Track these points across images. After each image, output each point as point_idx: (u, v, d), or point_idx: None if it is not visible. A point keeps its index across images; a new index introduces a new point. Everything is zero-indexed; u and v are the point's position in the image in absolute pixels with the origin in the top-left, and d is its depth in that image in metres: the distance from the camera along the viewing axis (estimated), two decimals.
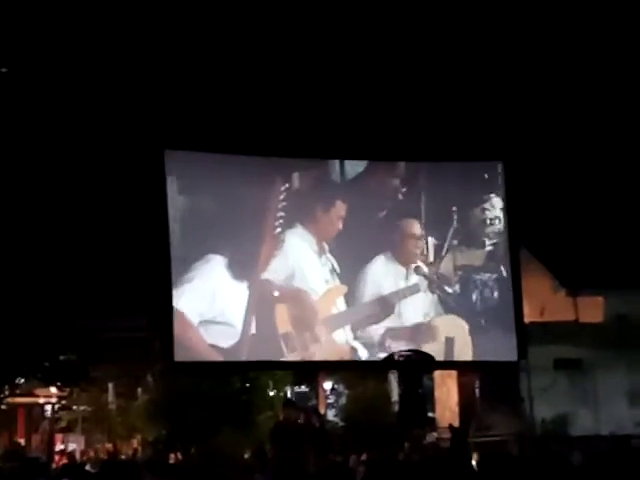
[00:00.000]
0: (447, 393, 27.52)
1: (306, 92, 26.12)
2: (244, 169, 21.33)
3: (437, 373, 26.63)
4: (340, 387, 28.00)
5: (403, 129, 25.25)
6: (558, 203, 27.66)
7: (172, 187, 20.76)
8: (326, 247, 21.49)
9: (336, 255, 21.49)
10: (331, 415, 26.97)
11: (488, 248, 22.31)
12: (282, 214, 21.11)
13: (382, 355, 21.51)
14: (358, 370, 24.39)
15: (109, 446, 25.12)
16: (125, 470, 11.46)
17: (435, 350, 21.49)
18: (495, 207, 22.45)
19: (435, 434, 24.06)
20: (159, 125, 24.26)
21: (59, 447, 26.62)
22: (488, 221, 22.33)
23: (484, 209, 22.38)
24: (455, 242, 22.11)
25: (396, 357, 21.25)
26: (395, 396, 24.24)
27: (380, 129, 25.13)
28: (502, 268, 22.30)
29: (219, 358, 20.49)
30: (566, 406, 25.02)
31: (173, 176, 20.82)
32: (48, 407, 27.71)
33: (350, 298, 21.54)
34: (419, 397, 21.49)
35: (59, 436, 27.25)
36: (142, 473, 12.11)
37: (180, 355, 20.51)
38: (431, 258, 21.98)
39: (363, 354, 21.41)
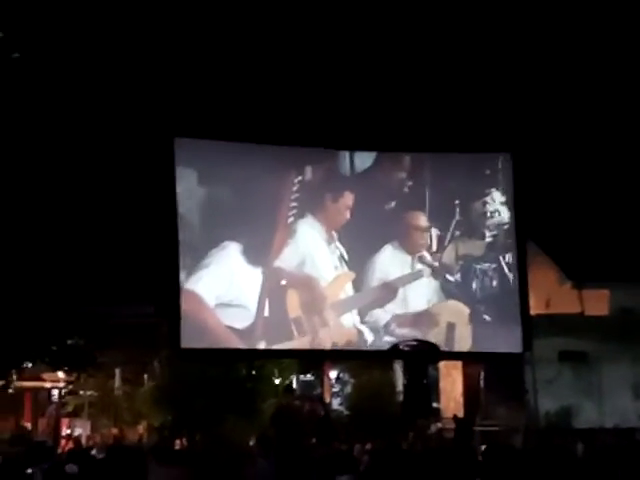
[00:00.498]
0: (452, 384, 27.60)
1: (315, 83, 26.18)
2: (259, 160, 22.05)
3: (442, 364, 26.72)
4: (345, 376, 28.09)
5: (411, 120, 25.38)
6: (565, 196, 27.67)
7: (191, 178, 21.53)
8: (335, 235, 22.21)
9: (345, 243, 22.20)
10: (336, 404, 27.09)
11: (488, 239, 23.13)
12: (295, 204, 21.94)
13: (387, 338, 22.06)
14: (363, 359, 24.65)
15: (115, 431, 25.22)
16: (130, 455, 11.59)
17: (437, 335, 22.13)
18: (495, 201, 23.21)
19: (439, 424, 24.19)
20: (169, 112, 24.34)
21: (65, 432, 26.74)
22: (488, 214, 23.14)
23: (485, 202, 23.20)
24: (457, 233, 22.94)
25: (402, 347, 21.52)
26: (400, 386, 24.37)
27: (389, 120, 25.26)
28: (501, 259, 23.01)
29: (234, 339, 21.13)
30: (570, 398, 25.07)
31: (192, 167, 21.52)
32: (55, 392, 27.83)
33: (358, 284, 22.29)
34: (424, 387, 21.70)
35: (65, 421, 27.36)
36: (147, 459, 12.22)
37: (194, 338, 20.99)
38: (434, 248, 22.82)
39: (369, 337, 22.07)
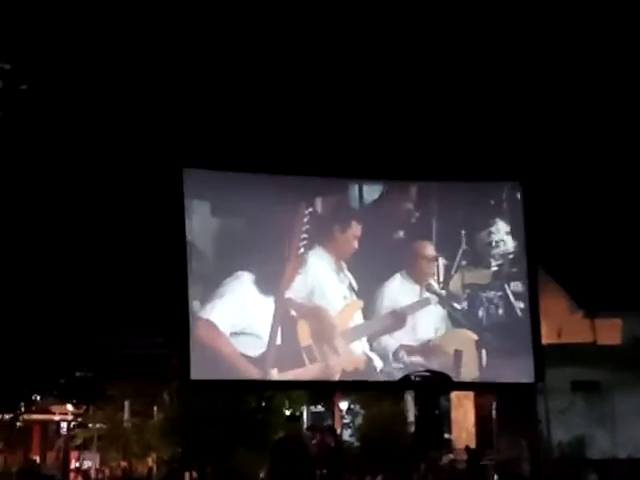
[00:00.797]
0: (464, 414, 27.42)
1: (323, 113, 26.29)
2: (271, 190, 22.36)
3: (454, 394, 26.59)
4: (356, 407, 27.95)
5: (418, 148, 25.49)
6: (575, 223, 27.59)
7: (205, 209, 21.92)
8: (344, 265, 22.47)
9: (354, 273, 22.45)
10: (347, 435, 26.93)
11: (493, 268, 23.40)
12: (305, 236, 22.21)
13: (396, 365, 22.20)
14: (374, 389, 24.59)
15: (124, 464, 25.09)
16: None
17: (444, 363, 22.20)
18: (500, 230, 23.53)
19: (451, 455, 24.01)
20: (178, 143, 24.42)
21: (74, 465, 26.59)
22: (494, 243, 23.44)
23: (490, 232, 23.48)
24: (464, 262, 23.23)
25: (413, 377, 21.50)
26: (411, 417, 24.30)
27: (396, 149, 25.36)
28: (506, 287, 23.23)
29: (247, 366, 21.35)
30: (583, 428, 24.86)
31: (205, 199, 21.91)
32: (64, 424, 27.74)
33: (367, 312, 22.52)
34: (435, 418, 21.63)
35: (74, 454, 27.22)
36: None
37: (208, 365, 21.10)
38: (441, 277, 23.03)
39: (378, 364, 22.30)
